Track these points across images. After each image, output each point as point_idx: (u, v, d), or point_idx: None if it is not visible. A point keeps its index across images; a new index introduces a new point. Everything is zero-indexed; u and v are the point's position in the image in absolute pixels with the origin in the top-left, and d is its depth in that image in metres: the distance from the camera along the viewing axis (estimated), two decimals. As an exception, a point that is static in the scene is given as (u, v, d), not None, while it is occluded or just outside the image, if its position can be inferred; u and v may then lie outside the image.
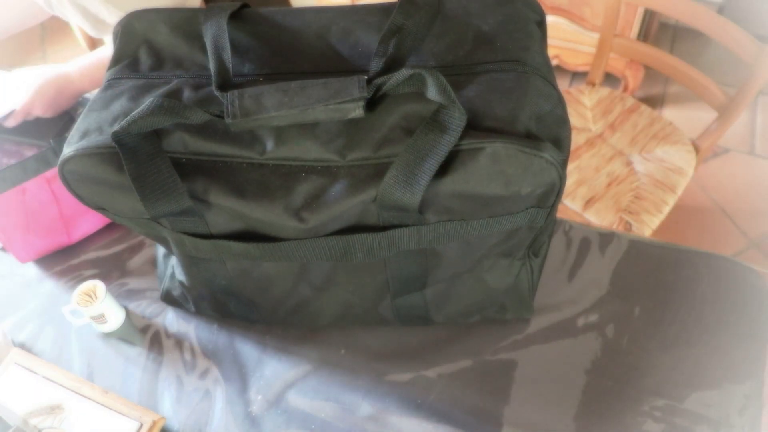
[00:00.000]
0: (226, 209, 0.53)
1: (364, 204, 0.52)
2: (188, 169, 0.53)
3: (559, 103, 0.53)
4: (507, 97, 0.51)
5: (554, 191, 0.52)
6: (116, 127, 0.50)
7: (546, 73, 0.55)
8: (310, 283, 0.64)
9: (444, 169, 0.50)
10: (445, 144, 0.49)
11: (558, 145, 0.51)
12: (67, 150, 0.54)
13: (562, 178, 0.51)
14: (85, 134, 0.54)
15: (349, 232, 0.55)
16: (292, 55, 0.57)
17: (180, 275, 0.69)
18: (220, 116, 0.51)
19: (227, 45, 0.55)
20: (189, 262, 0.64)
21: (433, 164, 0.49)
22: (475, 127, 0.50)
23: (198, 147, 0.53)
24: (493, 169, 0.49)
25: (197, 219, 0.55)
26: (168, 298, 0.75)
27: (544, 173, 0.50)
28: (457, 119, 0.48)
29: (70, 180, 0.56)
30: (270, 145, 0.52)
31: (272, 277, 0.63)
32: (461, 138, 0.49)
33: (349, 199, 0.51)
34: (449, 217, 0.54)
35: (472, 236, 0.56)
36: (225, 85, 0.53)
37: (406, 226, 0.54)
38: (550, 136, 0.51)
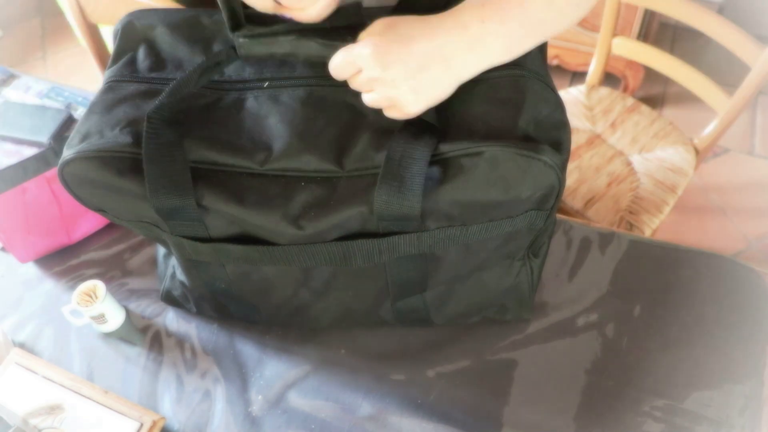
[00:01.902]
0: (225, 215, 0.53)
1: (363, 215, 0.52)
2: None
3: (558, 106, 0.53)
4: (505, 102, 0.51)
5: (553, 194, 0.52)
6: (150, 109, 0.51)
7: (545, 76, 0.55)
8: (310, 288, 0.64)
9: (443, 175, 0.50)
10: (425, 145, 0.49)
11: (557, 147, 0.51)
12: (68, 152, 0.54)
13: (561, 181, 0.51)
14: (85, 137, 0.54)
15: (348, 239, 0.55)
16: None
17: (180, 276, 0.69)
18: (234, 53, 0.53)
19: None
20: (189, 265, 0.64)
21: (420, 168, 0.49)
22: (473, 132, 0.50)
23: (199, 156, 0.53)
24: (492, 173, 0.49)
25: (196, 223, 0.55)
26: (168, 298, 0.75)
27: (543, 176, 0.50)
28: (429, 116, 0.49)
29: (70, 182, 0.55)
30: (270, 155, 0.52)
31: (272, 280, 0.63)
32: (459, 143, 0.49)
33: (348, 210, 0.51)
34: (449, 223, 0.54)
35: (471, 241, 0.56)
36: (237, 27, 0.53)
37: (406, 233, 0.54)
38: (548, 139, 0.51)
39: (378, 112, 0.52)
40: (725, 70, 1.65)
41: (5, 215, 0.77)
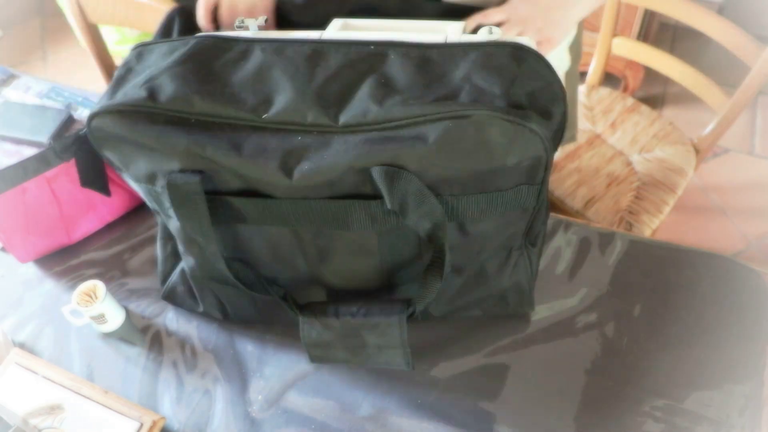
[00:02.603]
0: (225, 167, 0.55)
1: (354, 172, 0.52)
2: (195, 128, 0.55)
3: (555, 82, 0.54)
4: (499, 69, 0.53)
5: (541, 165, 0.53)
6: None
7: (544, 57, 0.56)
8: (307, 258, 0.64)
9: (429, 136, 0.50)
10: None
11: (546, 117, 0.51)
12: (96, 106, 0.57)
13: (548, 151, 0.52)
14: (115, 92, 0.57)
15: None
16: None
17: (185, 259, 0.68)
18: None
19: None
20: (188, 239, 0.64)
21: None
22: (462, 95, 0.51)
23: (204, 108, 0.55)
24: (478, 137, 0.50)
25: (199, 175, 0.57)
26: (171, 296, 0.75)
27: (530, 144, 0.51)
28: None
29: (96, 134, 0.58)
30: (270, 107, 0.54)
31: (270, 248, 0.63)
32: (447, 105, 0.50)
33: (340, 165, 0.52)
34: (438, 191, 0.54)
35: (463, 214, 0.56)
36: None
37: None
38: (539, 109, 0.51)
39: (378, 68, 0.55)
40: (725, 70, 1.65)
41: (5, 215, 0.77)
